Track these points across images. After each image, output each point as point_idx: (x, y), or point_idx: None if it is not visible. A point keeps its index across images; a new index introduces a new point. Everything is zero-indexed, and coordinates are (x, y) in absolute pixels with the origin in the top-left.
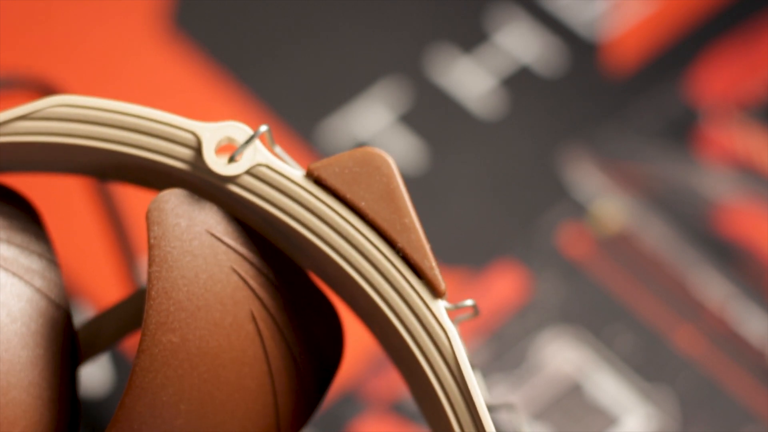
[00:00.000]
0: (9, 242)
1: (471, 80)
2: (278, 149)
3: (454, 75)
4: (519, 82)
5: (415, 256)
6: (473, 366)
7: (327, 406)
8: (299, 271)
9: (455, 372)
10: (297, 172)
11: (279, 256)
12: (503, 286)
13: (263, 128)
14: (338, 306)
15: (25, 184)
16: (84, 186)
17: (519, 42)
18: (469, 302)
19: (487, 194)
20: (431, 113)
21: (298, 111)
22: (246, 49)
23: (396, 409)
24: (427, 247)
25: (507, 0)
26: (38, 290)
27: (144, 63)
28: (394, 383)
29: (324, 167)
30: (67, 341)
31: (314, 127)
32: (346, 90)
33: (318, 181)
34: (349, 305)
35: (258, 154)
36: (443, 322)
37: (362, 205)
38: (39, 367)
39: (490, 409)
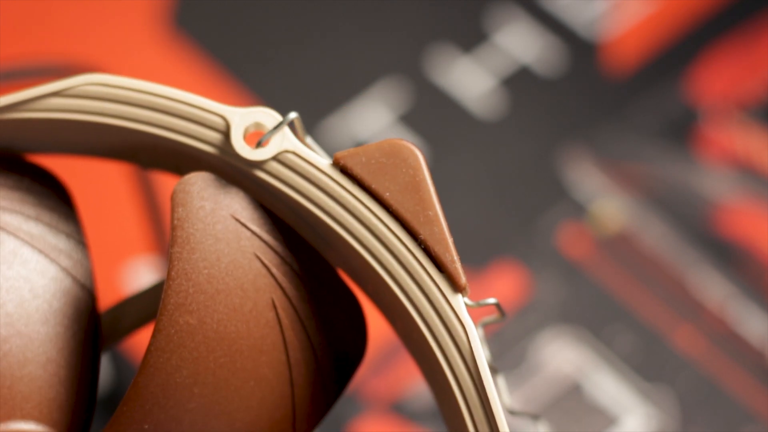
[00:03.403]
0: (38, 220)
1: (471, 80)
2: (309, 140)
3: (454, 75)
4: (519, 82)
5: (437, 249)
6: (494, 370)
7: None
8: (324, 263)
9: (471, 368)
10: (323, 161)
11: (304, 246)
12: (503, 286)
13: (292, 115)
14: (363, 301)
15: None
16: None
17: (519, 42)
18: (491, 300)
19: (487, 194)
20: (431, 113)
21: (298, 111)
22: (246, 50)
23: (396, 409)
24: (449, 240)
25: (507, 0)
26: (63, 269)
27: (144, 63)
28: (394, 383)
29: (350, 156)
30: (89, 322)
31: (314, 127)
32: (346, 90)
33: (344, 170)
34: (373, 300)
35: (285, 141)
36: (462, 317)
37: (386, 195)
38: (58, 345)
39: (513, 414)
